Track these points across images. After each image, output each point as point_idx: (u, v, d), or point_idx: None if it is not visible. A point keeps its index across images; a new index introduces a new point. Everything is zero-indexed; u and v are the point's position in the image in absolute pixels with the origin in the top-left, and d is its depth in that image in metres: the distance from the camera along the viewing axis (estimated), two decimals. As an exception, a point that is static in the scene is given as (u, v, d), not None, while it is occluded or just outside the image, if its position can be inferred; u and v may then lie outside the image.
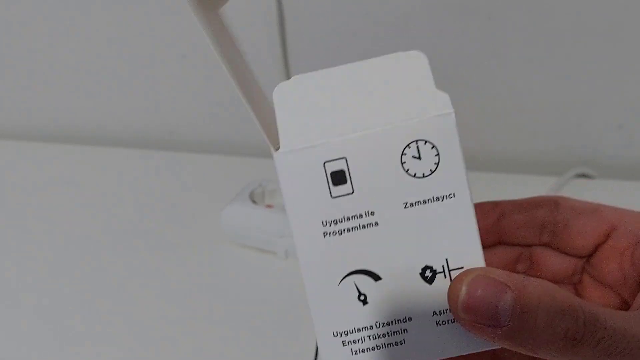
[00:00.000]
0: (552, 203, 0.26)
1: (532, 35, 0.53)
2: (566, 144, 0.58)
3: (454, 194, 0.21)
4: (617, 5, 0.51)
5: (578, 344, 0.19)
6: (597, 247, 0.25)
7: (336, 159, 0.21)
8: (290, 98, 0.22)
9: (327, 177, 0.21)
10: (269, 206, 0.46)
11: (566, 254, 0.26)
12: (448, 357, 0.22)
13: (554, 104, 0.57)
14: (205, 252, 0.47)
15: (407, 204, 0.21)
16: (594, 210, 0.26)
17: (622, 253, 0.24)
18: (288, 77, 0.56)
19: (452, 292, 0.20)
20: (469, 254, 0.21)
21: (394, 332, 0.22)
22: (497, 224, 0.26)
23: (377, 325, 0.22)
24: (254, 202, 0.46)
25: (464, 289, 0.20)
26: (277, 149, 0.22)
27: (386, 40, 0.54)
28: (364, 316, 0.22)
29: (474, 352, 0.21)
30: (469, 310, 0.19)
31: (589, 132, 0.58)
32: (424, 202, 0.21)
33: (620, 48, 0.53)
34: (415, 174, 0.21)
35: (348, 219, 0.21)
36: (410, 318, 0.22)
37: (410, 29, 0.53)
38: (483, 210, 0.26)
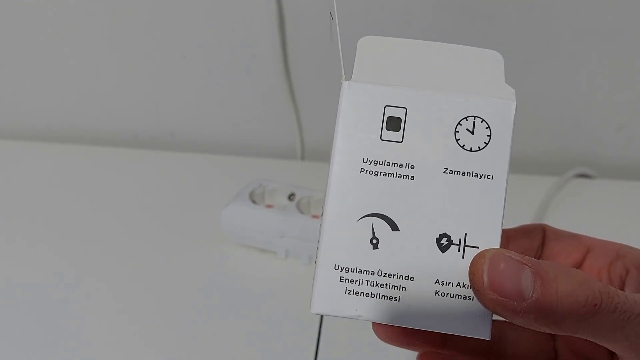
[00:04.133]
0: (541, 229, 0.28)
1: (532, 36, 0.53)
2: (566, 144, 0.58)
3: (492, 176, 0.22)
4: (617, 6, 0.51)
5: (599, 310, 0.20)
6: (576, 267, 0.26)
7: (397, 107, 0.22)
8: (374, 47, 0.23)
9: (383, 119, 0.22)
10: (269, 206, 0.46)
11: None
12: (435, 331, 0.22)
13: (554, 104, 0.57)
14: (205, 252, 0.47)
15: (447, 170, 0.22)
16: (573, 235, 0.27)
17: (600, 271, 0.25)
18: (288, 77, 0.56)
19: (475, 268, 0.21)
20: (488, 236, 0.22)
21: (392, 286, 0.22)
22: (505, 247, 0.28)
23: (379, 273, 0.22)
24: (253, 202, 0.46)
25: (486, 264, 0.21)
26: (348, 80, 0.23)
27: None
28: (370, 260, 0.22)
29: (461, 335, 0.22)
30: (494, 286, 0.20)
31: (589, 132, 0.58)
32: (463, 174, 0.22)
33: (620, 48, 0.53)
34: (464, 146, 0.22)
35: (388, 164, 0.22)
36: (413, 278, 0.22)
37: (410, 29, 0.53)
38: None
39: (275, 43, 0.55)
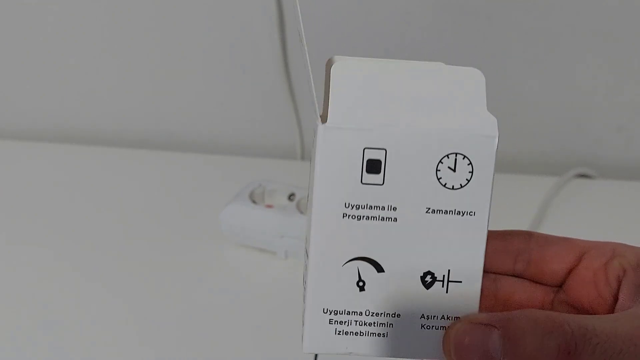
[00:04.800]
0: (526, 234, 0.27)
1: (532, 36, 0.53)
2: (566, 144, 0.58)
3: (474, 213, 0.22)
4: (617, 6, 0.51)
5: (574, 356, 0.19)
6: (569, 272, 0.26)
7: (377, 148, 0.22)
8: (347, 76, 0.22)
9: (363, 162, 0.22)
10: (269, 206, 0.46)
11: (539, 282, 0.26)
12: (421, 359, 0.23)
13: (554, 105, 0.57)
14: (205, 252, 0.47)
15: (429, 209, 0.22)
16: (566, 239, 0.26)
17: (596, 272, 0.25)
18: (288, 77, 0.56)
19: (445, 347, 0.21)
20: (470, 270, 0.23)
21: (379, 324, 0.22)
22: None
23: (367, 313, 0.22)
24: (253, 202, 0.46)
25: (452, 343, 0.21)
26: (323, 122, 0.22)
27: (386, 40, 0.54)
28: (358, 301, 0.22)
29: None
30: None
31: (589, 132, 0.58)
32: (445, 212, 0.22)
33: (621, 49, 0.53)
34: (445, 184, 0.22)
35: (370, 207, 0.22)
36: (399, 315, 0.22)
37: (410, 29, 0.53)
38: None
39: (275, 43, 0.55)
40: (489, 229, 0.23)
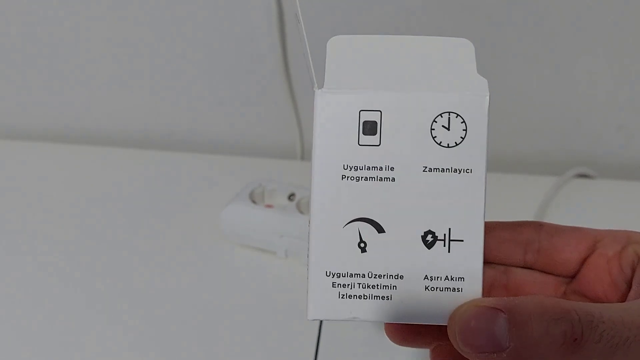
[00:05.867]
0: (536, 224, 0.27)
1: (532, 35, 0.53)
2: (566, 144, 0.58)
3: (471, 170, 0.23)
4: (617, 6, 0.51)
5: (580, 343, 0.19)
6: (583, 261, 0.25)
7: (372, 110, 0.23)
8: (343, 48, 0.23)
9: (359, 124, 0.23)
10: (269, 206, 0.46)
11: (550, 273, 0.26)
12: (428, 323, 0.23)
13: (554, 104, 0.57)
14: (205, 252, 0.47)
15: (426, 168, 0.23)
16: (577, 228, 0.26)
17: (610, 260, 0.24)
18: (288, 77, 0.56)
19: (449, 330, 0.21)
20: (471, 228, 0.23)
21: (383, 286, 0.23)
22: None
23: (370, 275, 0.23)
24: (253, 202, 0.46)
25: (457, 325, 0.20)
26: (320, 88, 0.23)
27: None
28: (360, 263, 0.23)
29: None
30: (468, 344, 0.20)
31: (589, 132, 0.57)
32: (442, 170, 0.23)
33: (621, 48, 0.53)
34: (440, 142, 0.23)
35: (368, 168, 0.23)
36: (402, 276, 0.23)
37: (410, 29, 0.53)
38: None
39: (275, 43, 0.55)
40: (496, 219, 0.23)
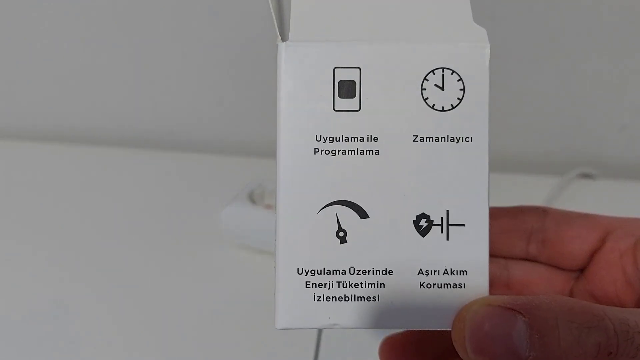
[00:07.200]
0: (540, 210, 0.23)
1: (535, 36, 0.53)
2: (568, 144, 0.58)
3: (471, 138, 0.18)
4: (619, 6, 0.51)
5: (615, 356, 0.16)
6: (592, 255, 0.22)
7: (349, 67, 0.18)
8: None
9: (334, 85, 0.19)
10: (269, 206, 0.46)
11: (556, 267, 0.23)
12: (423, 329, 0.18)
13: (556, 104, 0.56)
14: (205, 252, 0.47)
15: (417, 137, 0.18)
16: (585, 216, 0.23)
17: (623, 255, 0.21)
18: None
19: (456, 334, 0.17)
20: (473, 210, 0.18)
21: (368, 284, 0.19)
22: None
23: (352, 271, 0.19)
24: (253, 202, 0.46)
25: (467, 328, 0.17)
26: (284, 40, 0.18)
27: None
28: (339, 257, 0.19)
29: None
30: (482, 352, 0.16)
31: (592, 132, 0.57)
32: (437, 139, 0.18)
33: (623, 48, 0.53)
34: (434, 105, 0.18)
35: (347, 139, 0.19)
36: (392, 271, 0.18)
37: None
38: None
39: (275, 43, 0.55)
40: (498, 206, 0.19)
